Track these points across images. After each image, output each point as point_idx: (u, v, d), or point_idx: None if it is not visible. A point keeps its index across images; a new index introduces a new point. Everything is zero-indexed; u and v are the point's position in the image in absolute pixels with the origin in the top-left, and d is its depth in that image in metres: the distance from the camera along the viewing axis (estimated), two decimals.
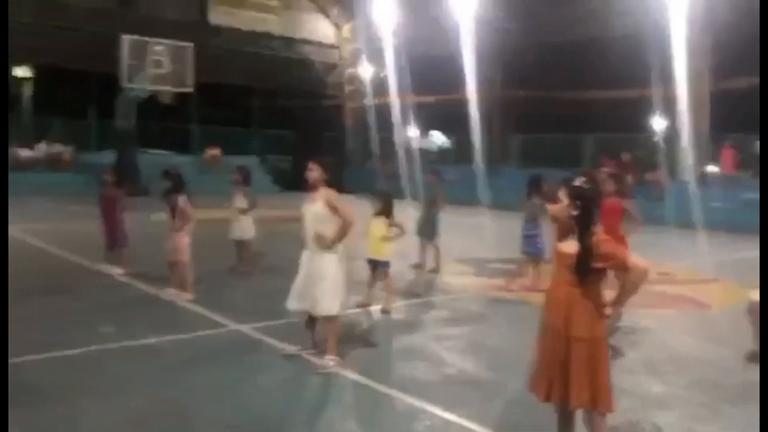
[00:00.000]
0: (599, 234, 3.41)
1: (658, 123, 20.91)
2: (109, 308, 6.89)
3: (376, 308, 7.19)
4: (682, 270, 10.46)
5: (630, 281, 3.33)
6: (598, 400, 3.42)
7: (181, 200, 7.28)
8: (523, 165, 23.40)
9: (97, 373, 5.03)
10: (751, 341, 5.81)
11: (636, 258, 3.38)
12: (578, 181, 3.47)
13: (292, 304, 5.35)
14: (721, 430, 4.35)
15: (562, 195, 3.47)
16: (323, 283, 5.16)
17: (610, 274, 3.56)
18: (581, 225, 3.42)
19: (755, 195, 16.77)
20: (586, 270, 3.37)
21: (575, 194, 3.45)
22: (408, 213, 10.72)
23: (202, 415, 4.26)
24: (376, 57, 26.09)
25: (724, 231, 15.36)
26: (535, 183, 8.35)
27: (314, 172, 5.27)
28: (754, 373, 5.46)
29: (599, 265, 3.37)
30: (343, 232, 5.20)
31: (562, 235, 3.51)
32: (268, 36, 26.32)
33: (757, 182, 17.57)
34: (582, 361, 3.40)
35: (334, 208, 5.19)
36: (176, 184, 7.34)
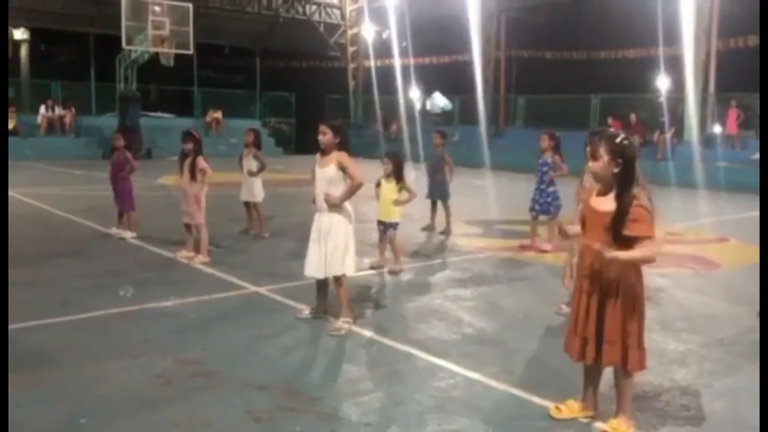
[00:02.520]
0: (639, 197, 3.37)
1: (663, 83, 20.73)
2: (126, 271, 6.93)
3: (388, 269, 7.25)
4: (690, 230, 10.52)
5: (640, 252, 3.34)
6: (628, 359, 3.47)
7: (202, 161, 7.32)
8: (526, 126, 23.29)
9: (119, 334, 5.09)
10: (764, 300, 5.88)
11: (657, 242, 3.37)
12: (620, 138, 3.43)
13: (309, 270, 5.36)
14: (738, 386, 4.41)
15: (603, 151, 3.41)
16: (334, 246, 5.18)
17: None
18: (622, 183, 3.37)
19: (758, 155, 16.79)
20: (621, 230, 3.36)
21: (618, 151, 3.38)
22: (413, 175, 10.72)
23: (228, 375, 4.32)
24: (379, 17, 25.72)
25: (729, 191, 15.39)
26: (557, 139, 8.34)
27: (326, 135, 5.21)
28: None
29: (626, 231, 3.33)
30: (351, 192, 5.20)
31: (600, 193, 3.49)
32: None
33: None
34: (614, 319, 3.43)
35: (344, 169, 5.18)
36: (198, 145, 7.37)
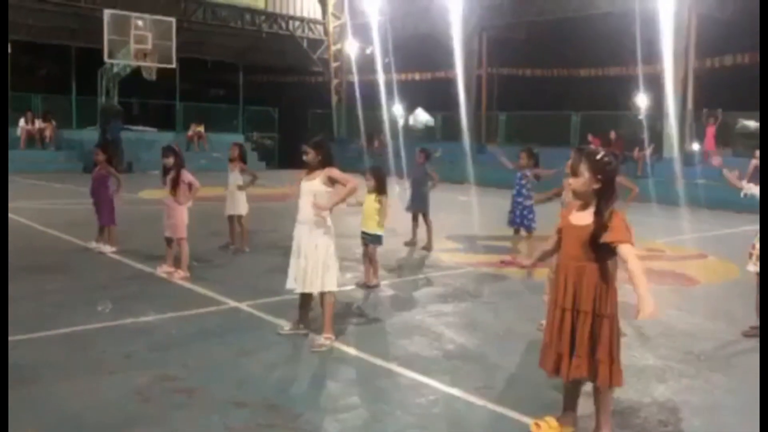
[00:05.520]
0: (617, 212, 3.42)
1: (642, 101, 21.04)
2: (105, 286, 6.86)
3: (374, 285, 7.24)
4: (669, 246, 10.63)
5: (636, 266, 3.35)
6: (598, 374, 3.48)
7: (186, 174, 7.32)
8: (508, 142, 23.46)
9: (97, 350, 5.03)
10: (741, 315, 5.97)
11: (633, 251, 3.36)
12: (600, 155, 3.49)
13: (291, 283, 5.36)
14: (716, 401, 4.46)
15: (584, 169, 3.46)
16: (314, 260, 5.18)
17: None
18: (602, 199, 3.42)
19: (738, 172, 17.02)
20: (599, 244, 3.39)
21: (599, 168, 3.43)
22: (397, 190, 10.76)
23: (208, 391, 4.29)
24: (362, 33, 25.88)
25: (708, 208, 15.59)
26: (536, 156, 8.46)
27: (309, 154, 5.29)
28: (745, 344, 5.62)
29: (605, 238, 3.36)
30: (345, 195, 5.24)
31: (579, 209, 3.53)
32: (252, 11, 25.98)
33: (738, 159, 17.82)
34: (585, 334, 3.46)
35: (334, 181, 5.21)
36: (179, 159, 7.38)
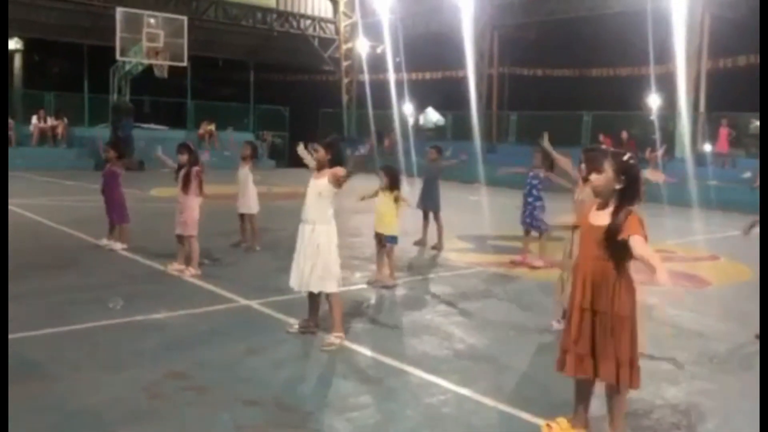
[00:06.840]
0: (633, 212, 3.39)
1: (654, 101, 20.91)
2: (116, 283, 6.88)
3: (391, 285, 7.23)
4: (681, 248, 10.56)
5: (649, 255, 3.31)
6: (618, 376, 3.45)
7: (197, 171, 7.36)
8: (519, 142, 23.40)
9: (107, 347, 5.04)
10: (754, 317, 5.90)
11: (643, 241, 3.30)
12: (626, 157, 3.46)
13: (294, 282, 5.36)
14: (729, 404, 4.42)
15: (608, 166, 3.42)
16: (318, 259, 5.18)
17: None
18: (623, 200, 3.40)
19: (751, 173, 16.88)
20: (615, 243, 3.36)
21: (623, 169, 3.41)
22: (407, 189, 10.71)
23: (216, 389, 4.29)
24: (373, 32, 25.87)
25: (720, 209, 15.47)
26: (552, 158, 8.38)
27: (318, 152, 5.32)
28: (758, 346, 5.55)
29: (620, 235, 3.33)
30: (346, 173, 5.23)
31: (599, 207, 3.50)
32: (264, 9, 26.03)
33: (751, 161, 17.67)
34: (606, 335, 3.43)
35: (336, 178, 5.20)
36: (193, 156, 7.44)
